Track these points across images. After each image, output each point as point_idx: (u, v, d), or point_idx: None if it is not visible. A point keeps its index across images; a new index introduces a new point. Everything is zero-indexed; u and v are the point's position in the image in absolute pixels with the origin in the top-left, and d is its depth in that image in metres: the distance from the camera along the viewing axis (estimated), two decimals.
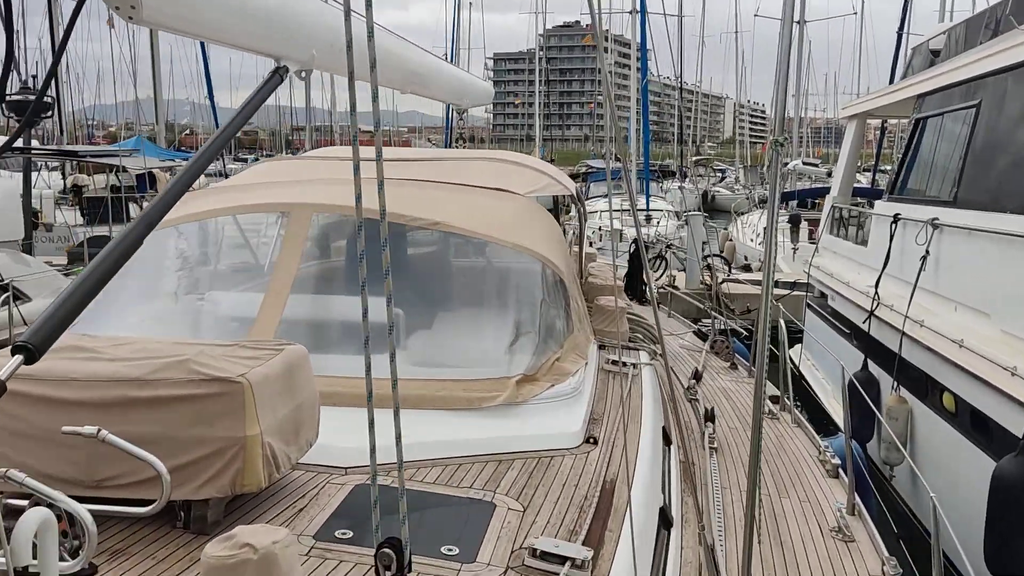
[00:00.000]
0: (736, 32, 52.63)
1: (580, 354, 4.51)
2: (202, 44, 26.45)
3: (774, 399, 6.95)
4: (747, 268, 19.52)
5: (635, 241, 13.54)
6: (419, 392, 3.65)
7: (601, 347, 5.22)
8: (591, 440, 3.72)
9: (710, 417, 5.58)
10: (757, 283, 14.74)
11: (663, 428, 4.42)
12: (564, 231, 13.44)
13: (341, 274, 5.06)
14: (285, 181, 5.27)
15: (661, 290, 13.20)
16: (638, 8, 22.92)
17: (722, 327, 8.93)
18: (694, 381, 6.93)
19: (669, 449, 4.38)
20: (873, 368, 8.59)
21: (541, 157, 54.57)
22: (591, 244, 24.65)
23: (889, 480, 7.81)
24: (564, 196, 7.45)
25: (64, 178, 21.28)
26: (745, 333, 9.89)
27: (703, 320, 14.26)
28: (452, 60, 41.24)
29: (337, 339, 4.17)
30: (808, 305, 12.13)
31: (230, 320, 4.38)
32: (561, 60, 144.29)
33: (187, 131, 52.62)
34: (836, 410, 9.44)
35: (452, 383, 3.82)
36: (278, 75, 2.87)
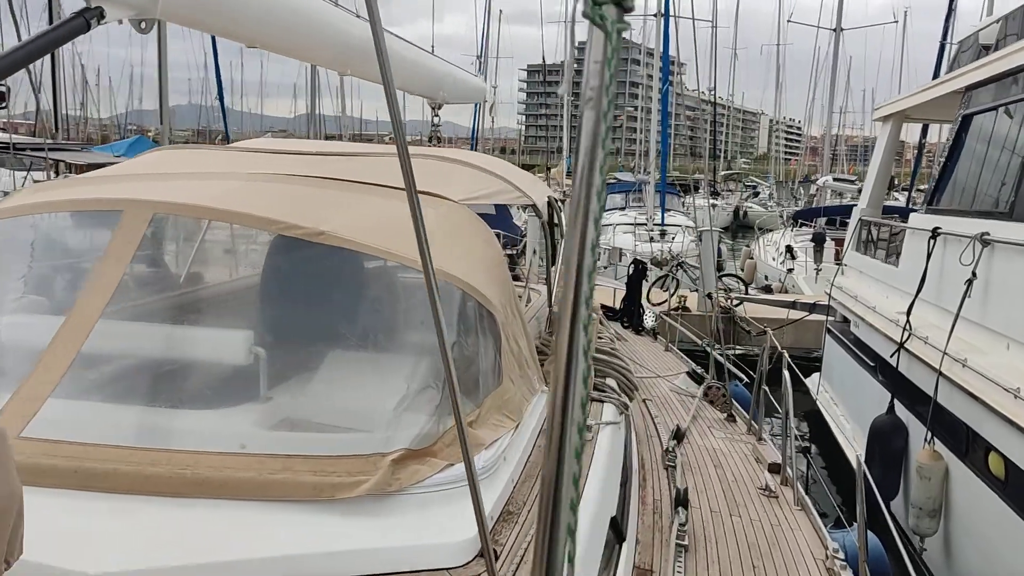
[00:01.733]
0: (778, 44, 50.86)
1: (511, 414, 3.31)
2: (214, 46, 25.48)
3: (774, 468, 5.56)
4: (767, 289, 18.02)
5: (636, 261, 12.20)
6: (245, 475, 2.48)
7: None
8: (490, 555, 2.38)
9: (682, 500, 4.23)
10: (774, 303, 13.22)
11: (613, 519, 3.29)
12: (556, 249, 11.95)
13: (185, 298, 3.79)
14: (152, 173, 4.01)
15: (670, 313, 11.77)
16: (663, 11, 21.54)
17: (722, 358, 7.54)
18: (674, 442, 5.58)
19: (619, 549, 3.25)
20: (901, 411, 7.13)
21: (568, 169, 53.81)
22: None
23: (919, 554, 6.33)
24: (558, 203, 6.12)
25: (57, 175, 20.43)
26: (746, 380, 8.43)
27: (721, 345, 12.89)
28: (482, 71, 40.19)
29: (152, 388, 2.96)
30: (828, 330, 10.65)
31: (14, 352, 3.18)
32: None
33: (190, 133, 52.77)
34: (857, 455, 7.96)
35: (301, 461, 2.58)
36: (83, 17, 2.26)
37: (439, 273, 3.26)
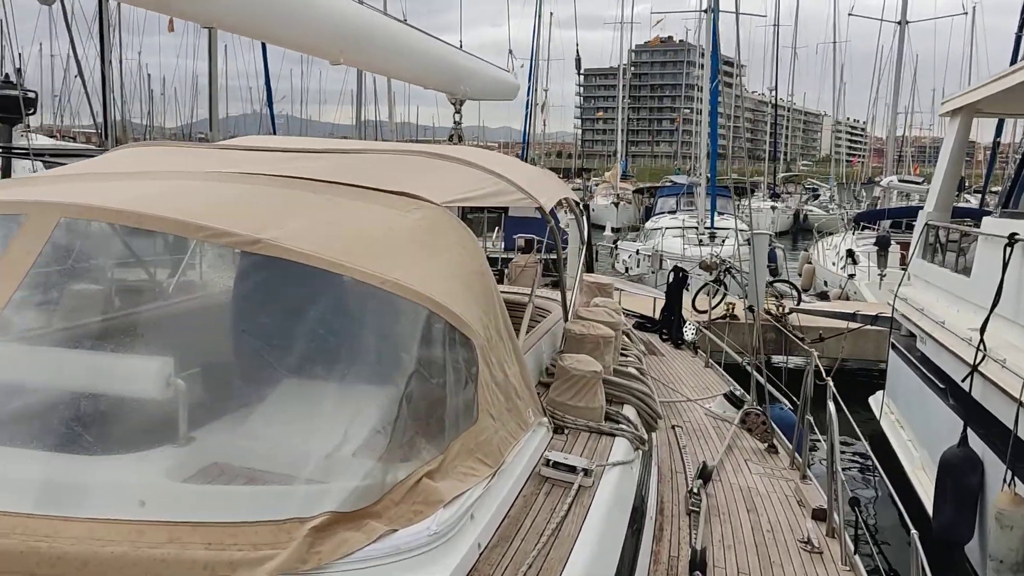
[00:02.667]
0: (834, 41, 49.12)
1: (487, 457, 2.70)
2: (264, 53, 25.36)
3: (818, 515, 4.76)
4: (824, 296, 16.94)
5: (676, 268, 11.35)
6: (115, 551, 1.91)
7: (558, 430, 3.53)
8: None
9: (698, 563, 3.53)
10: (830, 315, 12.23)
11: None
12: (589, 250, 11.12)
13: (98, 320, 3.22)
14: (99, 172, 3.51)
15: (715, 324, 10.91)
16: (712, 7, 20.61)
17: (762, 379, 6.73)
18: (700, 482, 4.84)
19: None
20: (975, 443, 6.23)
21: (623, 173, 53.01)
22: (626, 270, 22.32)
23: None
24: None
25: None
26: (790, 406, 7.58)
27: (773, 357, 11.93)
28: (532, 75, 39.49)
29: (30, 431, 2.38)
30: (892, 345, 9.69)
31: None
32: (652, 76, 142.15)
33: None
34: (926, 490, 7.05)
35: (191, 530, 1.99)
36: None
37: (402, 289, 2.64)
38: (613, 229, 30.73)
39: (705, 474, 5.16)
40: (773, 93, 53.91)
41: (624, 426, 3.80)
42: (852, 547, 4.43)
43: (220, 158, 3.72)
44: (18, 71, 14.65)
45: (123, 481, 2.21)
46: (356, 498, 2.15)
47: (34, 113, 15.58)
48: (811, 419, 5.78)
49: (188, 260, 3.73)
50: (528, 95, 39.22)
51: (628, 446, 3.60)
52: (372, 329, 2.85)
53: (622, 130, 56.99)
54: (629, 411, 4.09)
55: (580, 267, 6.29)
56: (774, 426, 6.59)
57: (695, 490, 4.96)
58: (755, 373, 7.16)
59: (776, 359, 11.93)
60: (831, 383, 5.43)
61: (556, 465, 3.07)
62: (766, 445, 6.38)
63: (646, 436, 3.96)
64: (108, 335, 2.87)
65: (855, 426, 5.04)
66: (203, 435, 2.52)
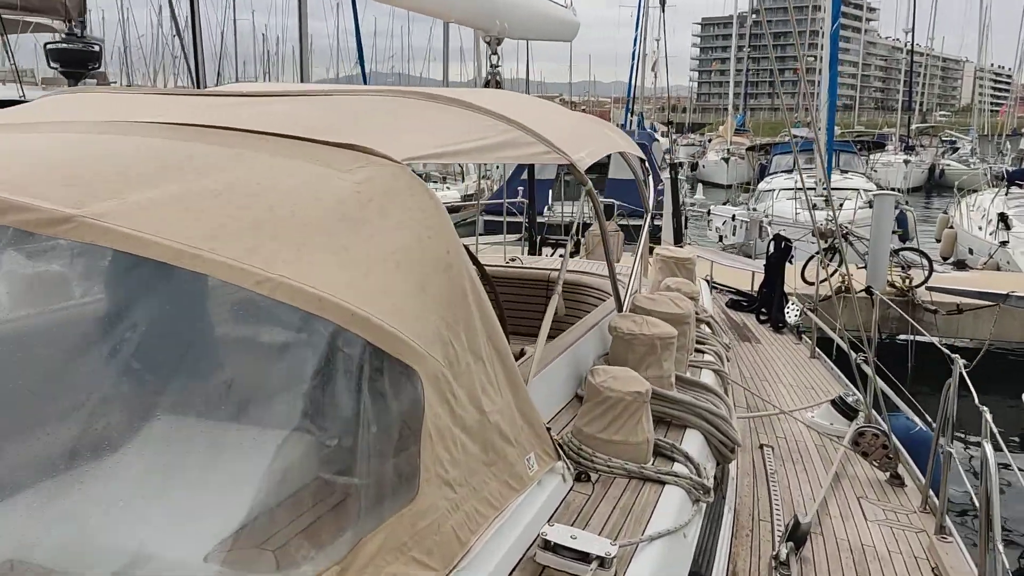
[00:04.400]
0: None
1: (428, 557, 1.78)
2: (354, 8, 24.44)
3: None
4: (961, 264, 14.74)
5: (778, 237, 9.63)
6: None
7: (583, 476, 2.60)
8: None
9: None
10: (973, 295, 10.24)
11: None
12: (678, 218, 9.85)
13: None
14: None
15: (825, 302, 9.24)
16: None
17: (879, 385, 5.23)
18: (789, 546, 3.57)
19: None
20: None
21: (738, 126, 50.27)
22: (720, 239, 20.23)
23: None
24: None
25: None
26: (922, 426, 5.97)
27: (898, 336, 10.11)
28: (640, 24, 37.26)
29: None
30: None
31: None
32: (775, 24, 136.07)
33: None
34: None
35: None
36: None
37: (289, 292, 1.68)
38: (724, 188, 28.64)
39: (798, 534, 3.80)
40: (909, 36, 49.64)
41: (680, 467, 2.73)
42: None
43: (160, 105, 2.71)
44: (82, 23, 14.36)
45: None
46: None
47: (98, 67, 15.39)
48: (953, 450, 4.25)
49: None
50: (635, 45, 37.20)
51: (683, 499, 2.57)
52: (237, 360, 1.94)
53: (736, 82, 53.89)
54: (692, 441, 3.05)
55: (642, 239, 4.92)
56: (899, 448, 5.07)
57: (783, 558, 3.62)
58: (871, 372, 5.61)
59: (901, 338, 10.16)
60: (982, 406, 3.87)
61: (558, 549, 2.03)
62: (888, 475, 4.90)
63: (711, 481, 2.80)
64: None
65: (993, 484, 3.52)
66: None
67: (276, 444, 1.81)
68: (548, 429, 2.42)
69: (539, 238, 10.96)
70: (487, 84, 6.35)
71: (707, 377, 3.99)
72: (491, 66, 6.20)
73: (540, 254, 11.00)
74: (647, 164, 5.12)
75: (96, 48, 11.80)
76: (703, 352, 4.46)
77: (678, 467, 2.71)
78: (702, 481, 2.68)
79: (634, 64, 37.52)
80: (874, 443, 5.05)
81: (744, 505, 4.36)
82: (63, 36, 11.65)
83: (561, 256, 10.40)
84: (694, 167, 45.19)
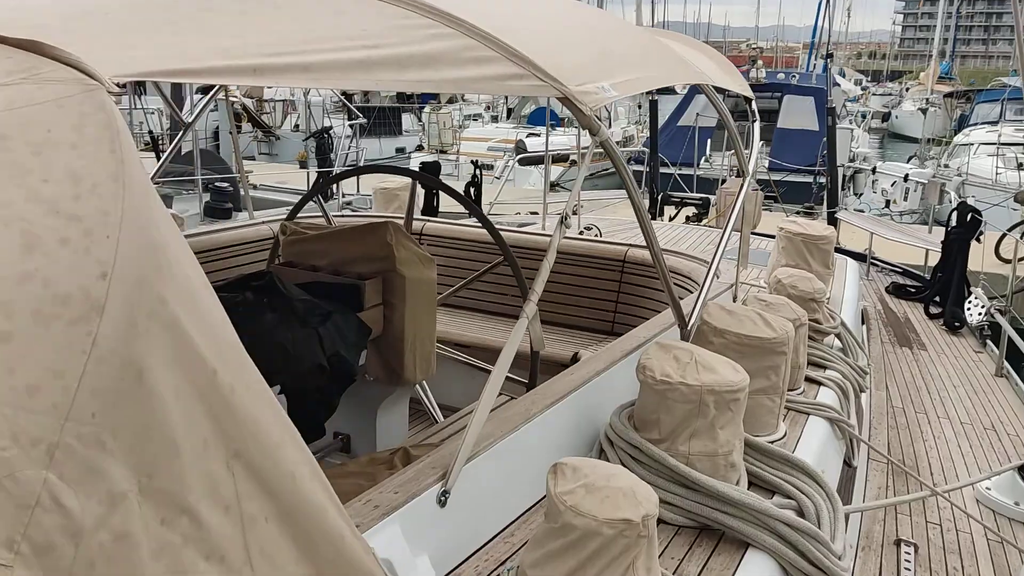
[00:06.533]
0: None
1: None
2: None
3: None
4: None
5: (963, 205, 7.51)
6: None
7: None
8: None
9: None
10: None
11: None
12: (833, 178, 8.40)
13: None
14: None
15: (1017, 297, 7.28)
16: None
17: None
18: None
19: None
20: None
21: (943, 74, 45.03)
22: (886, 204, 17.22)
23: None
24: None
25: None
26: None
27: None
28: None
29: None
30: None
31: None
32: None
33: None
34: None
35: None
36: None
37: None
38: (924, 141, 25.18)
39: None
40: None
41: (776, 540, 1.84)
42: None
43: None
44: None
45: None
46: None
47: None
48: None
49: None
50: None
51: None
52: None
53: (945, 26, 48.22)
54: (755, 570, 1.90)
55: (733, 210, 3.43)
56: None
57: None
58: None
59: None
60: None
61: None
62: None
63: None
64: None
65: None
66: None
67: None
68: None
69: (660, 195, 9.44)
70: None
71: (814, 435, 2.63)
72: None
73: (662, 216, 9.51)
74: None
75: None
76: (820, 383, 3.06)
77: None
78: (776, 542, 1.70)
79: (821, 3, 34.01)
80: None
81: None
82: None
83: (688, 221, 8.81)
84: (885, 118, 40.91)
